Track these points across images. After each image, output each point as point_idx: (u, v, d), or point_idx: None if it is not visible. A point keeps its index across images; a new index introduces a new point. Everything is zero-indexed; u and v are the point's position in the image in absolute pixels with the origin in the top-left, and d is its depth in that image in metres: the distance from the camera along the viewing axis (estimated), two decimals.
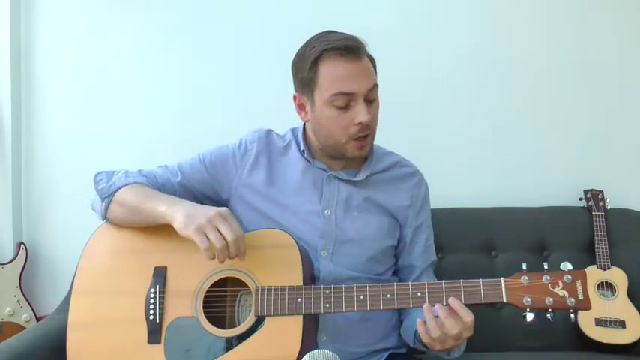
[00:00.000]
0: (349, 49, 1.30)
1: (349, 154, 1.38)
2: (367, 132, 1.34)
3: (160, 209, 1.27)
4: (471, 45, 2.23)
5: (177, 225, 1.22)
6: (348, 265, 1.38)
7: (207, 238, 1.19)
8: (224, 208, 1.24)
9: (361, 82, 1.30)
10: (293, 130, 1.50)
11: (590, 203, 2.05)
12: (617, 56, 2.22)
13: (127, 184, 1.37)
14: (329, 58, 1.30)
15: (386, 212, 1.44)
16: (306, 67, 1.32)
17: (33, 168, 2.28)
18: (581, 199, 2.09)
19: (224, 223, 1.20)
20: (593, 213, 2.03)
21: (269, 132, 1.50)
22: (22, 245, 2.20)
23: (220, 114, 2.25)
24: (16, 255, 2.19)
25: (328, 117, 1.34)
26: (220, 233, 1.19)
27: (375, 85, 1.34)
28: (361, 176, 1.42)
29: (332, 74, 1.30)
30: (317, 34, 1.36)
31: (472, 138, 2.23)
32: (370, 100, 1.33)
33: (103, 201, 1.38)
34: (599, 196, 2.06)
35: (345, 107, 1.31)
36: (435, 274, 1.51)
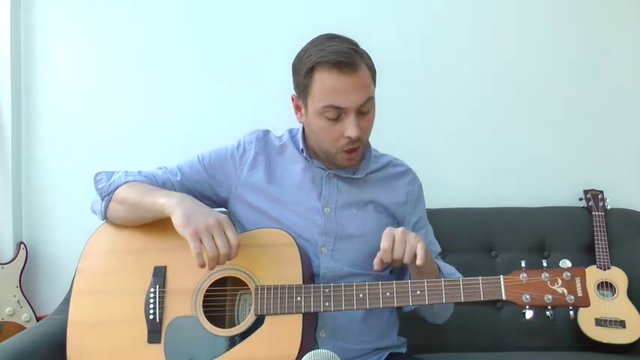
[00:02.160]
0: (344, 64, 1.26)
1: (338, 163, 1.38)
2: (357, 144, 1.33)
3: (160, 201, 1.27)
4: (472, 45, 2.23)
5: (175, 220, 1.22)
6: (348, 261, 1.38)
7: (201, 243, 1.19)
8: (224, 217, 1.24)
9: (353, 97, 1.29)
10: (290, 131, 1.50)
11: (590, 203, 2.05)
12: (617, 56, 2.22)
13: (126, 182, 1.38)
14: (323, 70, 1.28)
15: (384, 210, 1.45)
16: (302, 73, 1.32)
17: (33, 168, 2.28)
18: (581, 199, 2.09)
19: (221, 235, 1.20)
20: (593, 213, 2.03)
21: (266, 132, 1.51)
22: (22, 245, 2.20)
23: (220, 115, 2.25)
24: (16, 255, 2.19)
25: (319, 126, 1.34)
26: (215, 243, 1.19)
27: (370, 99, 1.31)
28: (360, 174, 1.43)
29: (324, 86, 1.29)
30: (318, 38, 1.35)
31: (472, 138, 2.23)
32: (363, 112, 1.32)
33: (103, 199, 1.38)
34: (599, 196, 2.06)
35: (336, 119, 1.31)
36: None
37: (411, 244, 1.22)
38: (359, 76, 1.29)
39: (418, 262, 1.20)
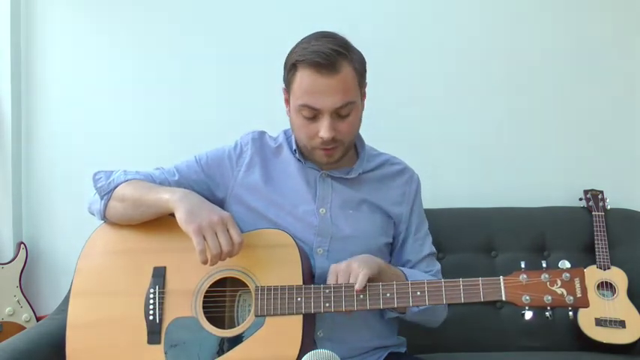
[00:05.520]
0: (321, 65, 1.26)
1: (317, 160, 1.39)
2: (332, 145, 1.33)
3: (163, 197, 1.28)
4: (472, 44, 2.23)
5: (178, 215, 1.23)
6: None
7: (205, 240, 1.19)
8: (227, 214, 1.25)
9: (328, 100, 1.28)
10: (286, 132, 1.50)
11: (590, 203, 2.05)
12: (617, 56, 2.22)
13: (126, 180, 1.38)
14: (302, 68, 1.29)
15: (379, 210, 1.44)
16: (287, 68, 1.34)
17: (33, 168, 2.28)
18: (581, 199, 2.09)
19: (224, 232, 1.21)
20: (593, 213, 2.03)
21: (262, 133, 1.51)
22: (22, 245, 2.20)
23: (219, 115, 2.25)
24: (16, 255, 2.19)
25: (297, 123, 1.35)
26: (218, 240, 1.20)
27: (348, 103, 1.30)
28: (353, 174, 1.43)
29: (302, 85, 1.29)
30: (309, 36, 1.35)
31: (472, 138, 2.23)
32: (341, 115, 1.31)
33: (102, 198, 1.38)
34: (599, 196, 2.06)
35: (312, 118, 1.31)
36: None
37: (355, 272, 1.24)
38: (337, 79, 1.27)
39: (357, 287, 1.22)
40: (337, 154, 1.36)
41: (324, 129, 1.29)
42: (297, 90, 1.31)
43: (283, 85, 1.40)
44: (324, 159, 1.37)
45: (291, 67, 1.31)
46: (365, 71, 1.36)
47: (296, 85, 1.31)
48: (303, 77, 1.29)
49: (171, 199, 1.26)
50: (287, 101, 1.40)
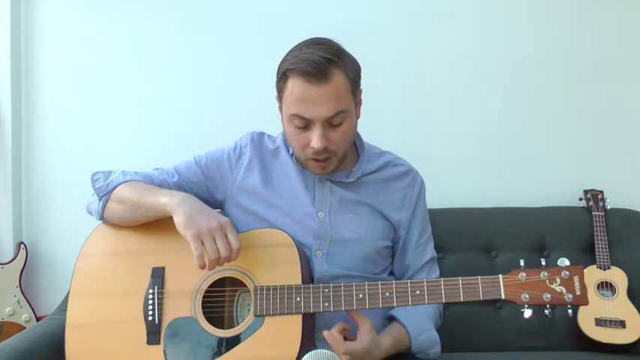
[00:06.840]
0: (311, 73, 1.23)
1: (310, 170, 1.38)
2: (325, 155, 1.31)
3: (162, 200, 1.27)
4: (471, 44, 2.23)
5: (177, 220, 1.22)
6: (343, 265, 1.37)
7: (203, 245, 1.19)
8: (226, 219, 1.24)
9: (318, 109, 1.26)
10: (284, 134, 1.48)
11: (590, 203, 2.05)
12: (617, 55, 2.22)
13: (125, 181, 1.37)
14: (293, 77, 1.27)
15: (379, 214, 1.43)
16: (278, 76, 1.32)
17: (33, 168, 2.28)
18: (581, 199, 2.08)
19: (222, 238, 1.21)
20: (593, 213, 2.03)
21: (261, 134, 1.50)
22: (22, 245, 2.20)
23: (219, 115, 2.25)
24: (16, 255, 2.19)
25: (289, 132, 1.34)
26: (216, 245, 1.20)
27: (340, 112, 1.27)
28: (352, 177, 1.41)
29: (292, 94, 1.28)
30: (301, 43, 1.33)
31: (472, 138, 2.23)
32: (334, 124, 1.29)
33: (100, 199, 1.37)
34: (599, 196, 2.06)
35: (304, 128, 1.30)
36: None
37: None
38: (328, 87, 1.25)
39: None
40: (331, 166, 1.35)
41: (315, 139, 1.28)
42: (288, 99, 1.29)
43: (276, 94, 1.38)
44: (317, 171, 1.36)
45: (282, 76, 1.30)
46: (359, 78, 1.34)
47: (287, 93, 1.29)
48: (294, 86, 1.27)
49: (170, 202, 1.26)
50: (280, 109, 1.38)
